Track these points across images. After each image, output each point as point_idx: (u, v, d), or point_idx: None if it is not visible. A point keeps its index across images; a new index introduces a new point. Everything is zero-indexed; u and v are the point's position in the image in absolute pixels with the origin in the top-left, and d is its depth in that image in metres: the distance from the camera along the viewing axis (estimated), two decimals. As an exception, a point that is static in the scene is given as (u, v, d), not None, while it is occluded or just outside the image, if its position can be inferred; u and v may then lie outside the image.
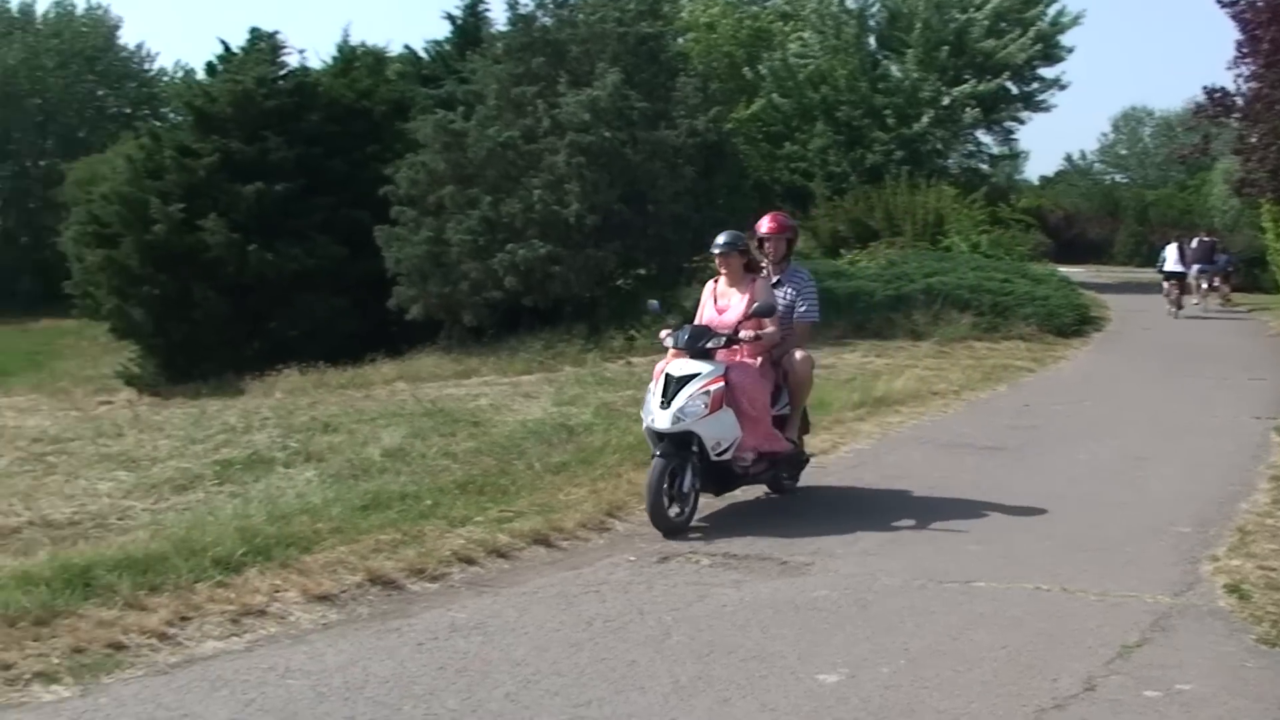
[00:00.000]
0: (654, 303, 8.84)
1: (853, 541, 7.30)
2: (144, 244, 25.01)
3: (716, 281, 8.27)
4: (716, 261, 8.22)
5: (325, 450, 11.88)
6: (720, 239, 8.08)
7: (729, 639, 5.55)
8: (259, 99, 26.48)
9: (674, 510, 7.51)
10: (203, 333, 24.92)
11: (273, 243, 24.54)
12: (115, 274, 25.84)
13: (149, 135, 30.67)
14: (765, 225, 8.51)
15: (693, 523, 7.59)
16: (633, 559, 6.92)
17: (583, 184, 20.30)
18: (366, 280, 23.70)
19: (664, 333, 8.10)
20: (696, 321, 8.09)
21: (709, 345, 7.72)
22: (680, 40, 30.83)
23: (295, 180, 25.51)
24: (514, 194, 20.92)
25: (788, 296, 8.29)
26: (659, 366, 7.81)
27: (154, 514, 9.67)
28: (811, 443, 9.16)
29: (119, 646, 5.24)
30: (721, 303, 8.06)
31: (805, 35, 36.30)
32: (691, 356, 7.64)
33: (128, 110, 59.08)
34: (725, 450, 7.58)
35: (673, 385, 7.49)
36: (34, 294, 44.68)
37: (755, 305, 7.82)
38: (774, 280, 8.30)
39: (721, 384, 7.53)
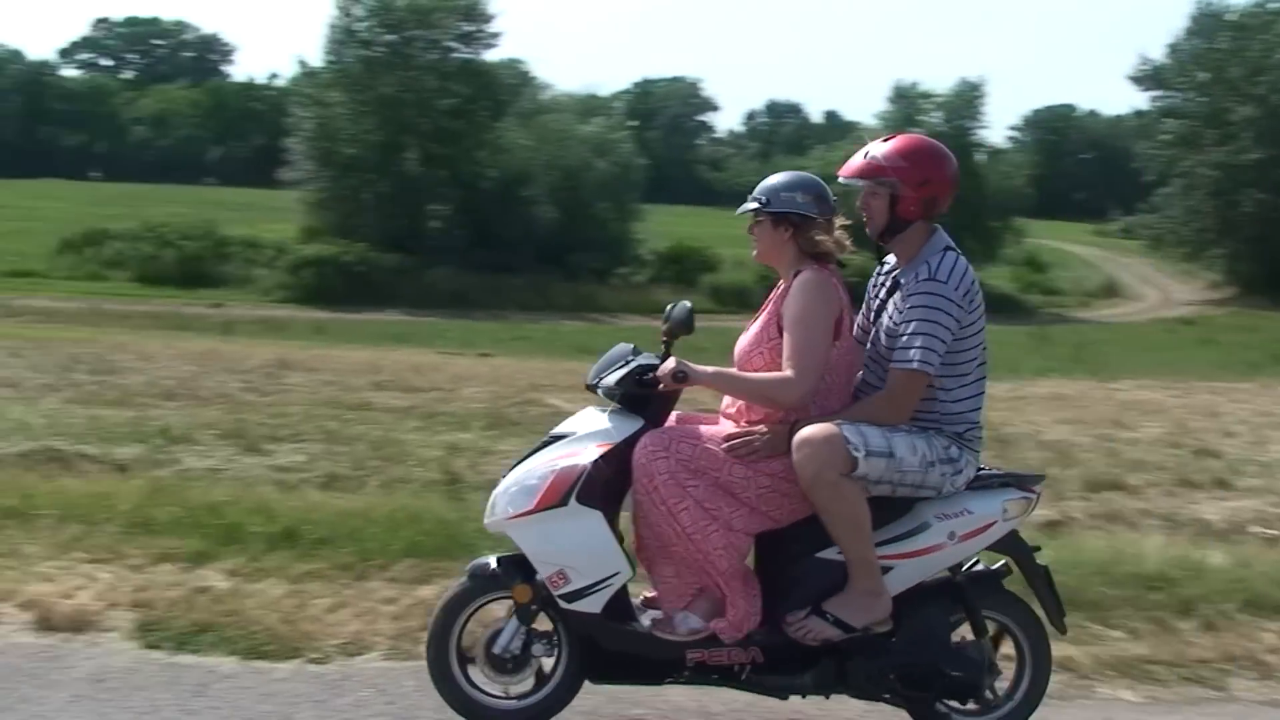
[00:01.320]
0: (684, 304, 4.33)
1: None
2: None
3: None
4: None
5: None
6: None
7: None
8: None
9: (492, 689, 4.26)
10: None
11: None
12: None
13: None
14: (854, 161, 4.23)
15: None
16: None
17: None
18: None
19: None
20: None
21: (608, 382, 4.23)
22: None
23: None
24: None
25: (885, 316, 4.20)
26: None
27: None
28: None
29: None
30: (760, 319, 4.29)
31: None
32: (621, 401, 4.23)
33: None
34: (586, 591, 4.08)
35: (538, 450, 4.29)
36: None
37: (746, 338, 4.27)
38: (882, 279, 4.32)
39: (587, 462, 4.11)
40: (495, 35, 54.17)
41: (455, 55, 53.62)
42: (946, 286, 4.01)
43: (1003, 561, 4.29)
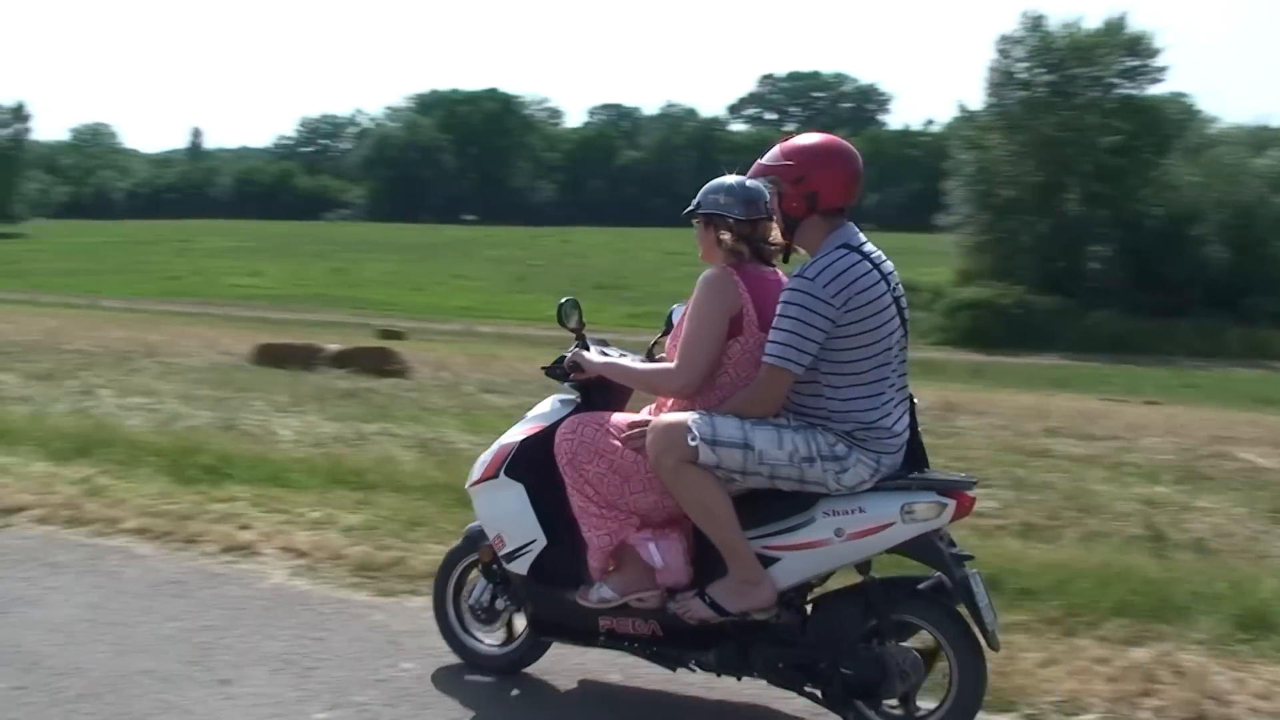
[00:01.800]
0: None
1: None
2: None
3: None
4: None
5: None
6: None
7: None
8: None
9: (482, 634, 4.77)
10: None
11: None
12: None
13: None
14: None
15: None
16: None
17: None
18: None
19: None
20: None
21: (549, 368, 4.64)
22: None
23: None
24: None
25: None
26: None
27: None
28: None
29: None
30: None
31: None
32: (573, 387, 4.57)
33: None
34: (515, 554, 4.44)
35: None
36: None
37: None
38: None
39: (516, 440, 4.53)
40: (1161, 69, 52.22)
41: (1117, 91, 52.09)
42: (814, 284, 3.93)
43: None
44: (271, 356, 16.19)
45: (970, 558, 4.12)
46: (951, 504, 3.98)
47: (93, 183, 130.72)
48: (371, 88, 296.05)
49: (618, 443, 4.21)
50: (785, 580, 4.09)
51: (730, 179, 4.36)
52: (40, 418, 9.14)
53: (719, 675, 4.33)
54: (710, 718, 4.51)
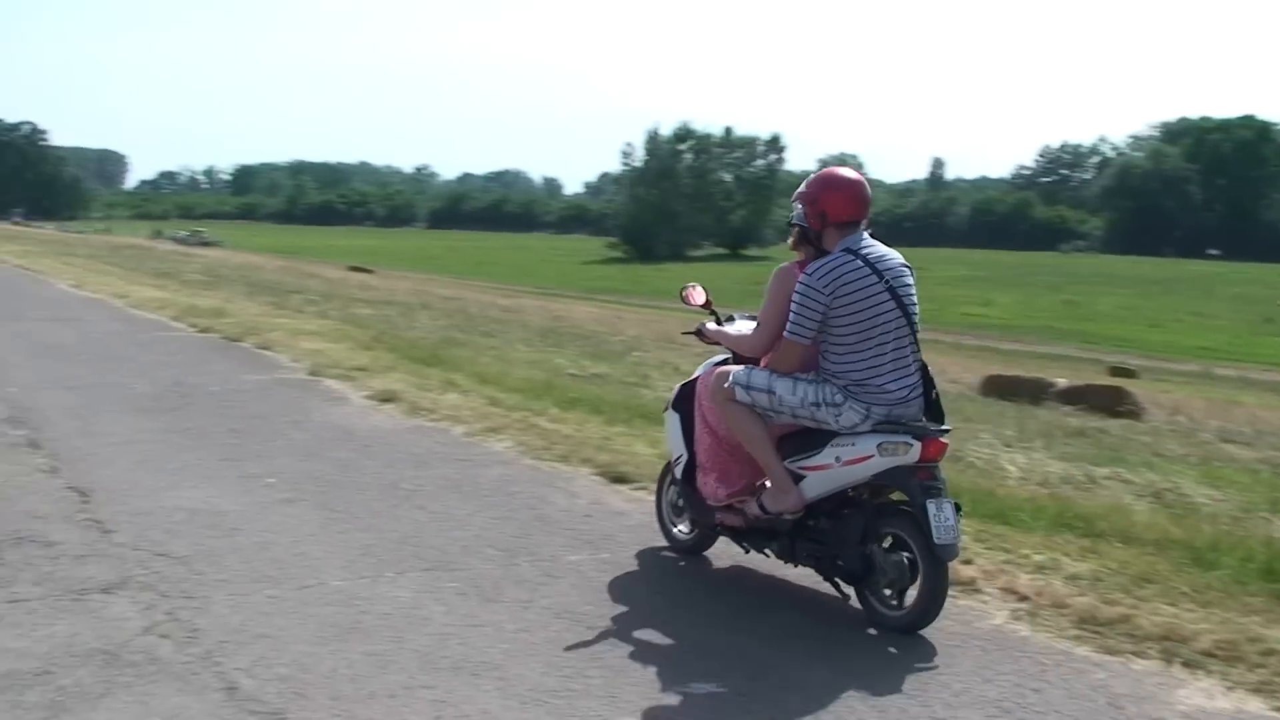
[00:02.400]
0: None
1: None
2: None
3: None
4: None
5: None
6: None
7: None
8: None
9: (678, 524, 6.45)
10: None
11: None
12: None
13: None
14: None
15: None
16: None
17: None
18: None
19: None
20: None
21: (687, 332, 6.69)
22: None
23: None
24: None
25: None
26: None
27: None
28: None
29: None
30: None
31: None
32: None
33: None
34: (675, 464, 6.23)
35: None
36: None
37: None
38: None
39: (677, 385, 6.44)
40: None
41: None
42: (811, 279, 5.35)
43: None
44: (999, 388, 16.03)
45: (940, 492, 5.17)
46: (918, 445, 5.22)
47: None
48: (1117, 115, 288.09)
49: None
50: (809, 493, 5.48)
51: None
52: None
53: (781, 560, 5.78)
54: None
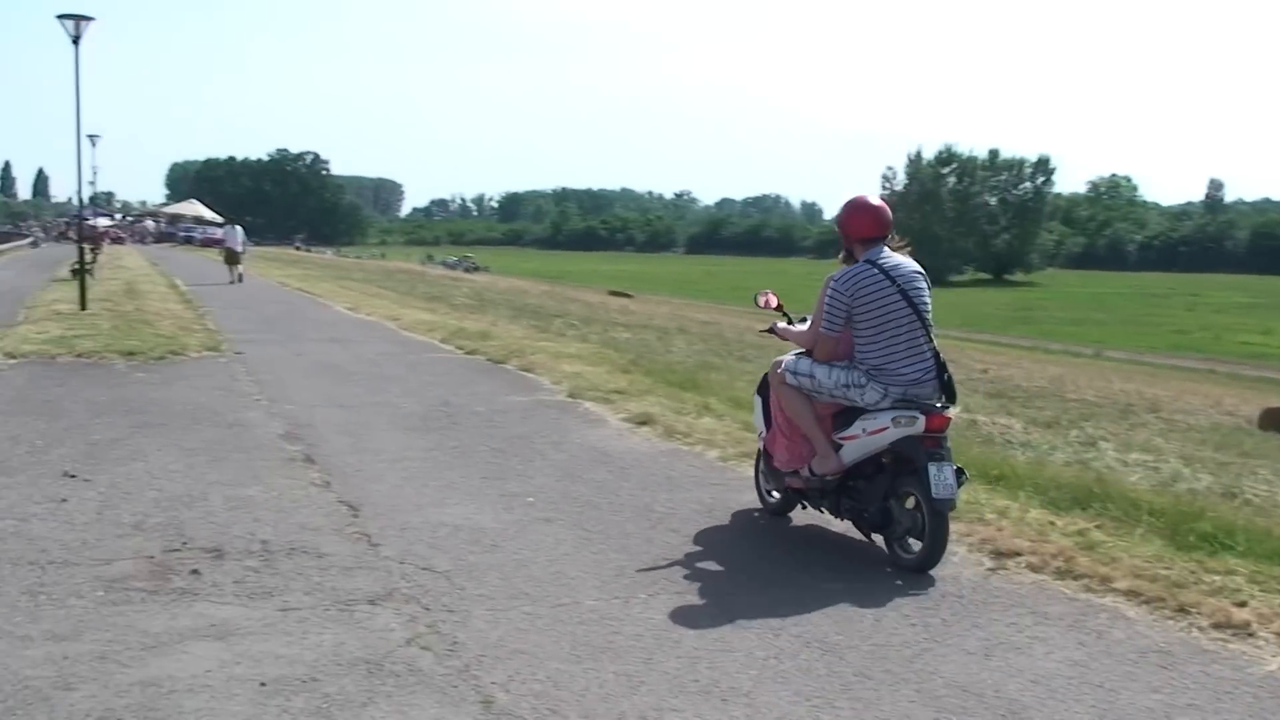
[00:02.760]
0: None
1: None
2: None
3: None
4: None
5: None
6: None
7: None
8: None
9: (771, 491, 7.67)
10: None
11: None
12: None
13: None
14: None
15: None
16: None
17: None
18: None
19: None
20: None
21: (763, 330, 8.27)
22: None
23: None
24: None
25: None
26: None
27: None
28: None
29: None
30: None
31: None
32: None
33: None
34: (761, 442, 7.61)
35: None
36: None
37: None
38: None
39: (764, 374, 7.63)
40: None
41: None
42: (837, 284, 6.75)
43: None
44: (1278, 422, 15.19)
45: (943, 457, 6.39)
46: (923, 418, 6.43)
47: (1107, 234, 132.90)
48: None
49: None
50: (847, 458, 6.74)
51: None
52: (1040, 465, 9.30)
53: (831, 515, 7.08)
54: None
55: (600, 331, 22.46)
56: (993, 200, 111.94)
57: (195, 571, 6.14)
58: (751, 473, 8.00)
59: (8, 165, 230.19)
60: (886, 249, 6.87)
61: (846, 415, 6.76)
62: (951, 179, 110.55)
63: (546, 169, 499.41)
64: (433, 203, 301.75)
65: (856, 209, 6.99)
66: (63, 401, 11.51)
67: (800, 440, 7.03)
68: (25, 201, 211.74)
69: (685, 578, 6.26)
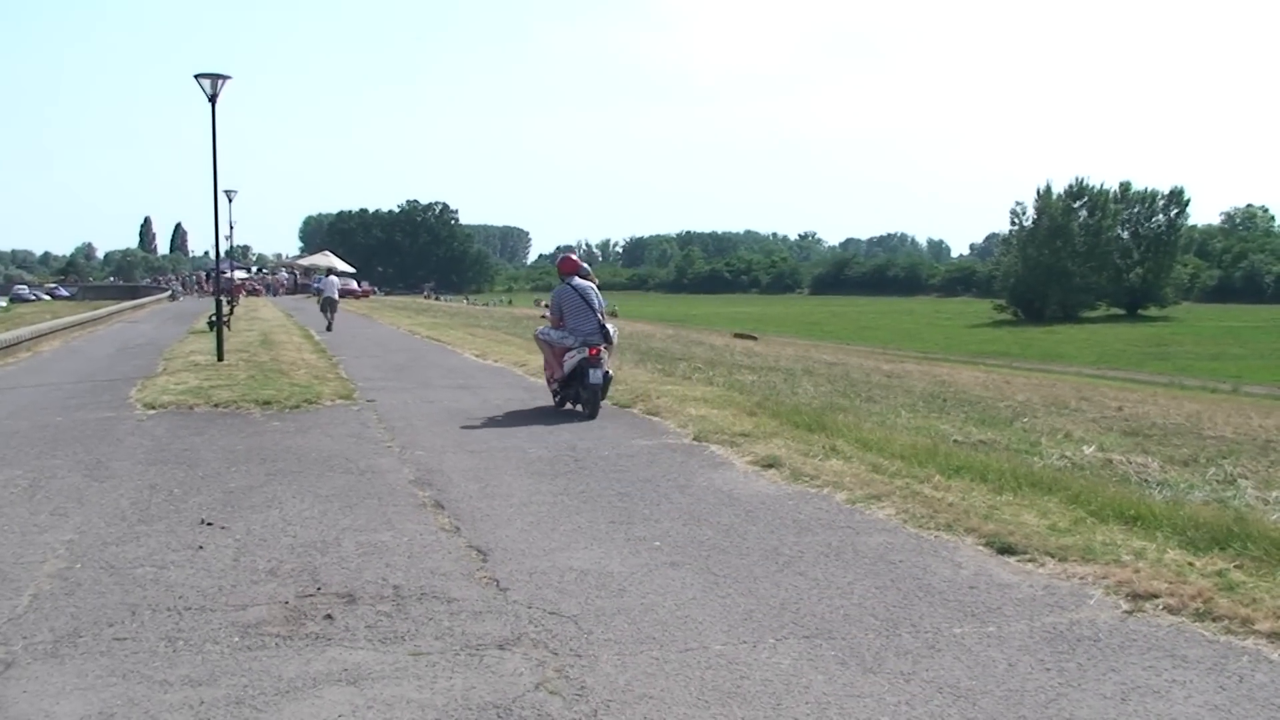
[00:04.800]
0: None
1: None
2: None
3: None
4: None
5: None
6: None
7: None
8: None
9: (551, 390, 15.93)
10: None
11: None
12: None
13: None
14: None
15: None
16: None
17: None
18: None
19: None
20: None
21: None
22: None
23: None
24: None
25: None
26: None
27: None
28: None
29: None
30: None
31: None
32: None
33: None
34: (547, 370, 16.17)
35: None
36: None
37: None
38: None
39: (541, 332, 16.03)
40: None
41: None
42: (555, 295, 15.47)
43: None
44: None
45: (597, 365, 14.45)
46: (587, 350, 14.53)
47: (1243, 266, 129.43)
48: None
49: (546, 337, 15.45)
50: (566, 369, 14.74)
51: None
52: (1177, 504, 9.04)
53: (567, 399, 15.07)
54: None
55: (725, 374, 22.43)
56: (1125, 234, 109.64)
57: (329, 616, 6.25)
58: None
59: (147, 220, 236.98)
60: (577, 278, 15.36)
61: (565, 352, 14.79)
62: (1083, 213, 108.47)
63: (671, 213, 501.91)
64: (559, 249, 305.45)
65: (563, 260, 15.86)
66: (200, 451, 11.83)
67: (552, 365, 15.24)
68: (164, 256, 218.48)
69: (813, 621, 6.19)
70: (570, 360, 14.51)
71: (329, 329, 36.06)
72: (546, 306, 17.39)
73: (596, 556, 7.53)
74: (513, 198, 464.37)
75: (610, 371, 14.73)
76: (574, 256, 15.60)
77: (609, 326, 15.02)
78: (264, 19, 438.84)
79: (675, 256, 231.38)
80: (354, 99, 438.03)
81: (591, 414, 14.11)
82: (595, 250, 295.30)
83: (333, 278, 42.83)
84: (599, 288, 15.49)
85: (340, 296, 43.00)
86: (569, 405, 14.91)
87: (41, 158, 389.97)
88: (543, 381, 18.76)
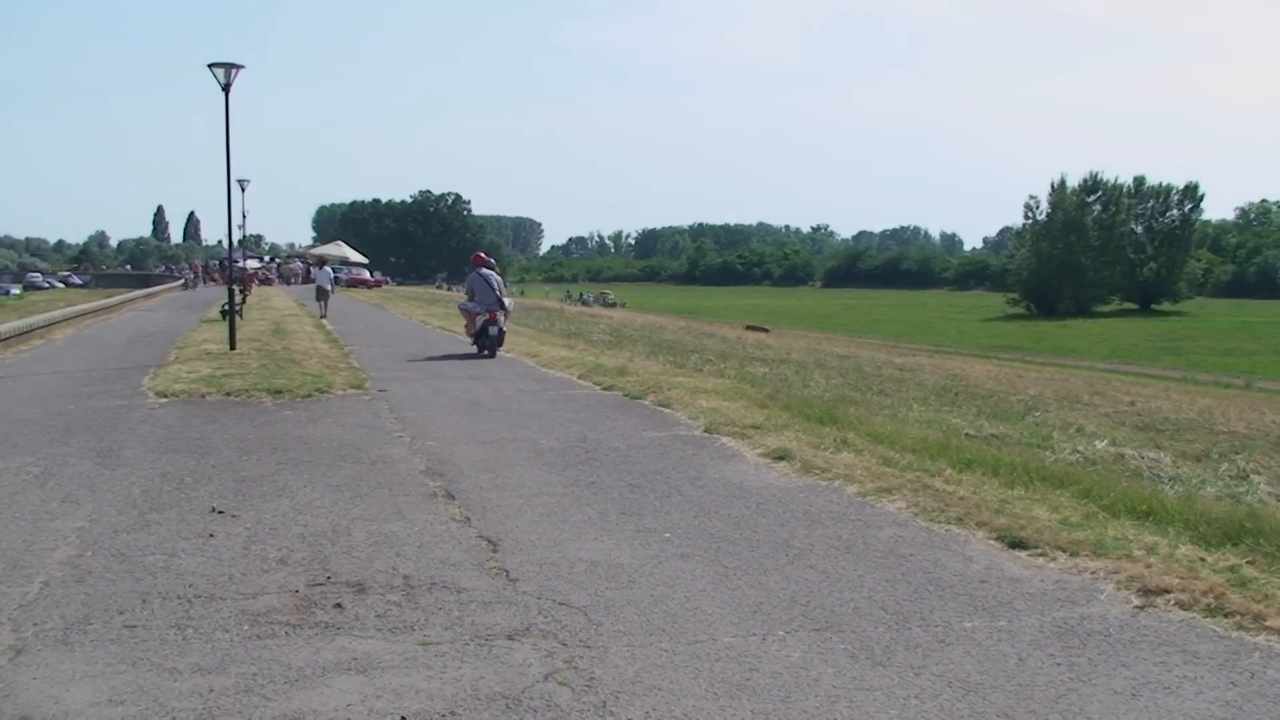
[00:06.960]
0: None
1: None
2: None
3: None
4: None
5: None
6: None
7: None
8: None
9: (472, 342, 23.76)
10: None
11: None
12: None
13: None
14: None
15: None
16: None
17: None
18: None
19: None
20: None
21: None
22: None
23: None
24: None
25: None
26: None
27: None
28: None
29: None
30: None
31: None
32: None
33: None
34: (469, 327, 24.30)
35: None
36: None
37: None
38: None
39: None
40: None
41: None
42: (469, 280, 24.56)
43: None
44: None
45: (496, 324, 22.82)
46: (487, 314, 22.91)
47: (1257, 261, 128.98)
48: None
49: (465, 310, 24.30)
50: (476, 328, 23.24)
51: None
52: (1190, 499, 9.01)
53: (479, 349, 23.11)
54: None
55: (737, 366, 22.43)
56: (1139, 228, 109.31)
57: (338, 605, 6.25)
58: None
59: (160, 209, 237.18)
60: (484, 269, 23.74)
61: (476, 316, 23.04)
62: (1096, 207, 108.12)
63: (683, 205, 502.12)
64: (571, 240, 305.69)
65: (475, 256, 24.80)
66: (211, 439, 11.85)
67: (470, 324, 23.37)
68: (177, 244, 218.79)
69: (823, 614, 6.18)
70: (480, 320, 22.83)
71: (322, 317, 36.28)
72: (460, 289, 30.13)
73: (606, 548, 7.53)
74: (525, 189, 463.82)
75: (505, 329, 23.37)
76: (482, 254, 25.24)
77: (506, 300, 23.47)
78: (279, 8, 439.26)
79: (687, 248, 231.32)
80: (368, 89, 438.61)
81: (491, 354, 22.63)
82: (608, 242, 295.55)
83: (327, 268, 44.05)
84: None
85: (349, 286, 43.97)
86: (483, 352, 22.84)
87: (56, 146, 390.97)
88: (556, 373, 18.96)
